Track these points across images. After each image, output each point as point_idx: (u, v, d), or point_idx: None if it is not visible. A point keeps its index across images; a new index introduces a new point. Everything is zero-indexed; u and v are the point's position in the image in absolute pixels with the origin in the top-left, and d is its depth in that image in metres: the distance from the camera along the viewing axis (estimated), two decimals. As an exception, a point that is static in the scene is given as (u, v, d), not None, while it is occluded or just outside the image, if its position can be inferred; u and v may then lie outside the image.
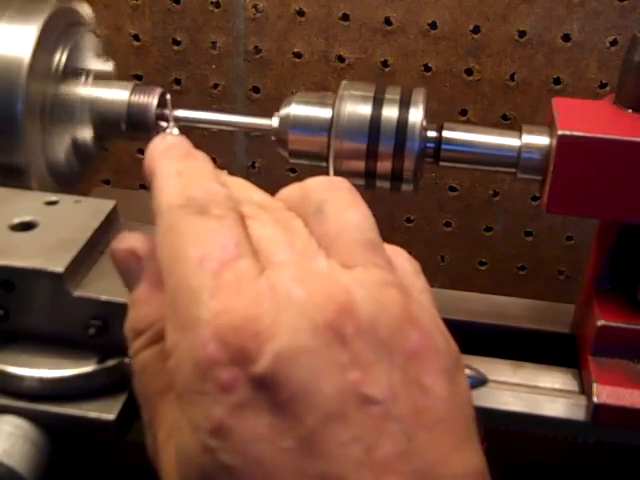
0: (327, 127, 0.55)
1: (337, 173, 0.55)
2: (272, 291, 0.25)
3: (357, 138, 0.54)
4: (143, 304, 0.30)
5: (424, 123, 0.54)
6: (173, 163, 0.30)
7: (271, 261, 0.27)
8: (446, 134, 0.55)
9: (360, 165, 0.55)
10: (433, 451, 0.25)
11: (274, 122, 0.57)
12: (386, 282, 0.27)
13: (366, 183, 0.55)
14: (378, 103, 0.54)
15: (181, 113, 0.58)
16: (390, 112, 0.54)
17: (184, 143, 0.32)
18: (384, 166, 0.54)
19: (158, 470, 0.28)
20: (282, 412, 0.24)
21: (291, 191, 0.32)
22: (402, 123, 0.54)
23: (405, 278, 0.29)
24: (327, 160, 0.55)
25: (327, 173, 0.55)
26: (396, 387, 0.25)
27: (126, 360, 0.44)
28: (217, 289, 0.25)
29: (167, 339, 0.26)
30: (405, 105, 0.54)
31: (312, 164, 0.56)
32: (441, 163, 0.56)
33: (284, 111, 0.56)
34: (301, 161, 0.57)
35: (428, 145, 0.55)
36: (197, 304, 0.25)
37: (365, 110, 0.54)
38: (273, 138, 0.57)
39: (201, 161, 0.31)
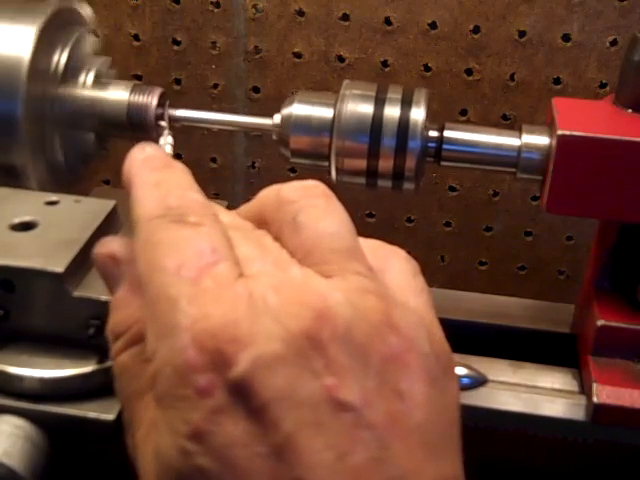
0: (329, 127, 0.55)
1: (339, 172, 0.55)
2: (249, 297, 0.25)
3: (359, 137, 0.54)
4: (122, 307, 0.30)
5: (426, 122, 0.54)
6: (151, 174, 0.30)
7: (247, 273, 0.27)
8: (448, 134, 0.55)
9: (362, 164, 0.55)
10: (407, 459, 0.24)
11: (276, 122, 0.57)
12: (364, 289, 0.26)
13: (368, 182, 0.55)
14: (380, 102, 0.54)
15: (181, 113, 0.58)
16: (392, 111, 0.54)
17: (162, 154, 0.32)
18: (386, 165, 0.54)
19: (136, 468, 0.28)
20: (257, 418, 0.24)
21: (268, 197, 0.31)
22: (404, 122, 0.54)
23: (400, 280, 0.29)
24: (329, 159, 0.55)
25: (329, 172, 0.56)
26: (371, 393, 0.24)
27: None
28: (195, 296, 0.25)
29: (147, 346, 0.26)
30: (407, 104, 0.54)
31: (314, 163, 0.56)
32: (442, 163, 0.56)
33: (286, 111, 0.56)
34: (303, 161, 0.57)
35: (430, 145, 0.55)
36: (175, 311, 0.25)
37: (367, 109, 0.54)
38: (274, 137, 0.57)
39: (179, 172, 0.30)
